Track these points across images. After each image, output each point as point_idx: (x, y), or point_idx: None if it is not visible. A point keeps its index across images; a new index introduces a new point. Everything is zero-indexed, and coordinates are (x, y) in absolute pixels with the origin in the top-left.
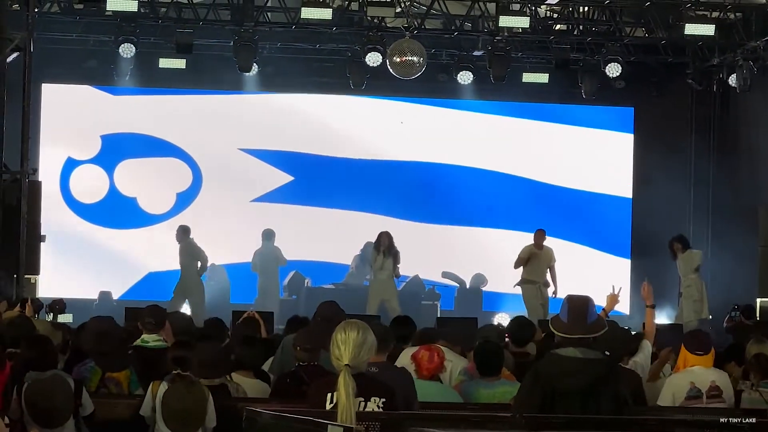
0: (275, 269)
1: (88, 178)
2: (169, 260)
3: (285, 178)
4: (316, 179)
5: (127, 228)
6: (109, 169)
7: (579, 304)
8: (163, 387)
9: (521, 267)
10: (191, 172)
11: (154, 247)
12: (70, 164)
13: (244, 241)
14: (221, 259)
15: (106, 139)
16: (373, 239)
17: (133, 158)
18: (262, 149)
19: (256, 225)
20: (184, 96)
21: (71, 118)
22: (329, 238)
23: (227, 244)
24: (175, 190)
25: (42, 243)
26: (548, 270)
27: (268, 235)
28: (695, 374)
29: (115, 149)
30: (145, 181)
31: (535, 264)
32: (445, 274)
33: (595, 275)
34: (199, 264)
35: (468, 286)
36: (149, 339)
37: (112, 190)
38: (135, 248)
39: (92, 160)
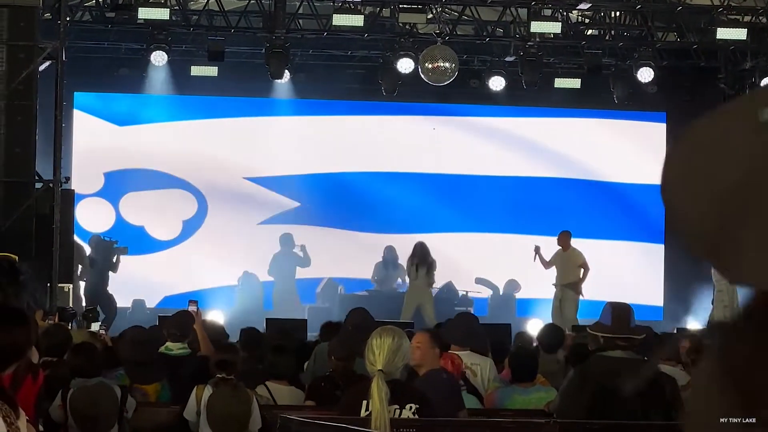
0: (292, 275)
1: (94, 211)
2: (183, 283)
3: (291, 204)
4: (329, 201)
5: (137, 254)
6: (114, 202)
7: (622, 310)
8: (208, 391)
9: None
10: (196, 201)
11: (168, 270)
12: (75, 198)
13: (255, 262)
14: (232, 279)
15: (109, 176)
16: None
17: (137, 191)
18: (267, 176)
19: (266, 245)
20: (192, 122)
21: (76, 151)
22: (344, 258)
23: (238, 265)
24: (182, 217)
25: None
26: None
27: (286, 240)
28: None
29: (119, 184)
30: (150, 210)
31: (560, 266)
32: (478, 281)
33: (630, 266)
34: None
35: (501, 293)
36: (173, 347)
37: (119, 221)
38: (152, 273)
39: (96, 194)
